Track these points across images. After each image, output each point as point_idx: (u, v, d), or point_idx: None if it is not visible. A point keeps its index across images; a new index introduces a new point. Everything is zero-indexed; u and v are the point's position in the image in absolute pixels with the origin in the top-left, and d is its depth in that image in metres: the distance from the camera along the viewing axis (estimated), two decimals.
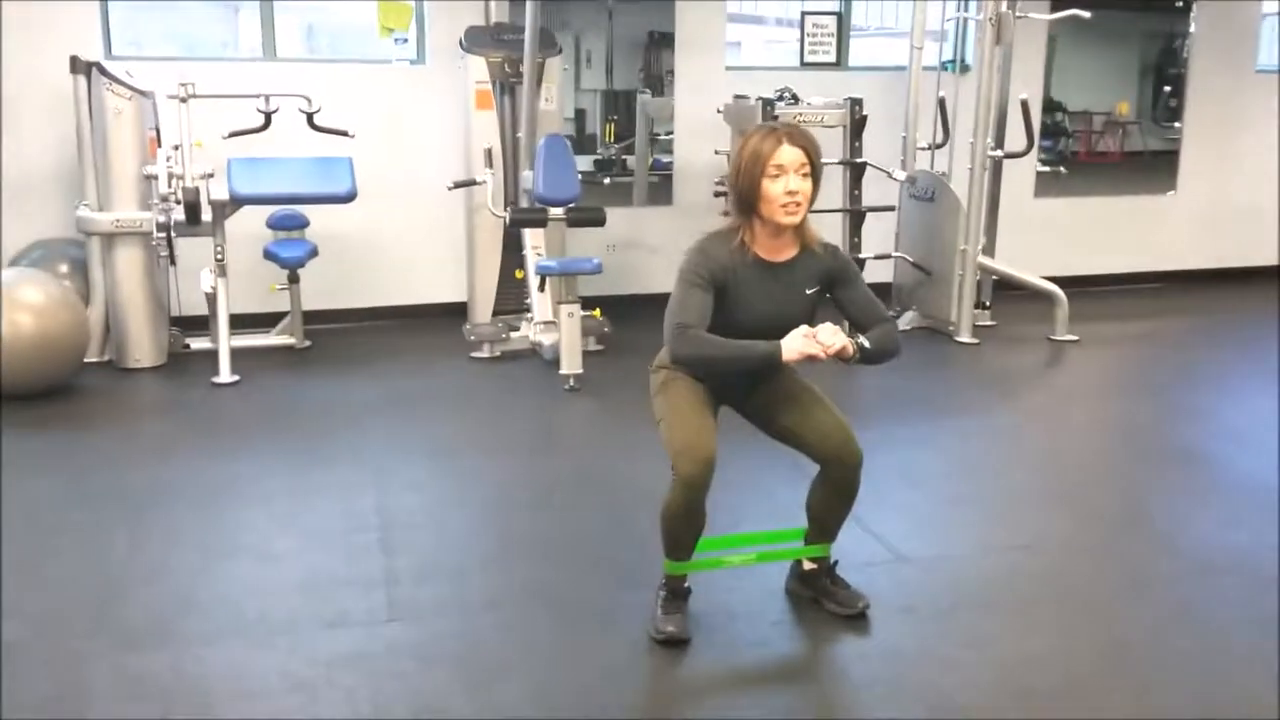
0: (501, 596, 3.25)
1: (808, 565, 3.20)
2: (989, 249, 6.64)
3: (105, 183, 5.40)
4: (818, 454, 2.98)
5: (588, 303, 5.66)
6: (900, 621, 3.12)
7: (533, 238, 5.86)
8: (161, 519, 3.77)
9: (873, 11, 7.81)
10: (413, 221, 6.54)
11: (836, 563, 3.19)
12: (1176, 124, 8.08)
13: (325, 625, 3.05)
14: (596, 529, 3.75)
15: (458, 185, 5.92)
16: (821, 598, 3.16)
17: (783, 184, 2.72)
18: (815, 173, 2.78)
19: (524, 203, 5.97)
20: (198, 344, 5.79)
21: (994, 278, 6.73)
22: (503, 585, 3.33)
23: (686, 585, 3.06)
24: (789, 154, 2.73)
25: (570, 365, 5.26)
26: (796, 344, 2.73)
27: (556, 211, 5.57)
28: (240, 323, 5.80)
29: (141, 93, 5.38)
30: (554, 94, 6.17)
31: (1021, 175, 7.33)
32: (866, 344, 2.82)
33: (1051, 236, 7.60)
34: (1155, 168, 8.15)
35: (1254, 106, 8.02)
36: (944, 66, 7.17)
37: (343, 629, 3.03)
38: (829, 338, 2.74)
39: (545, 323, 5.75)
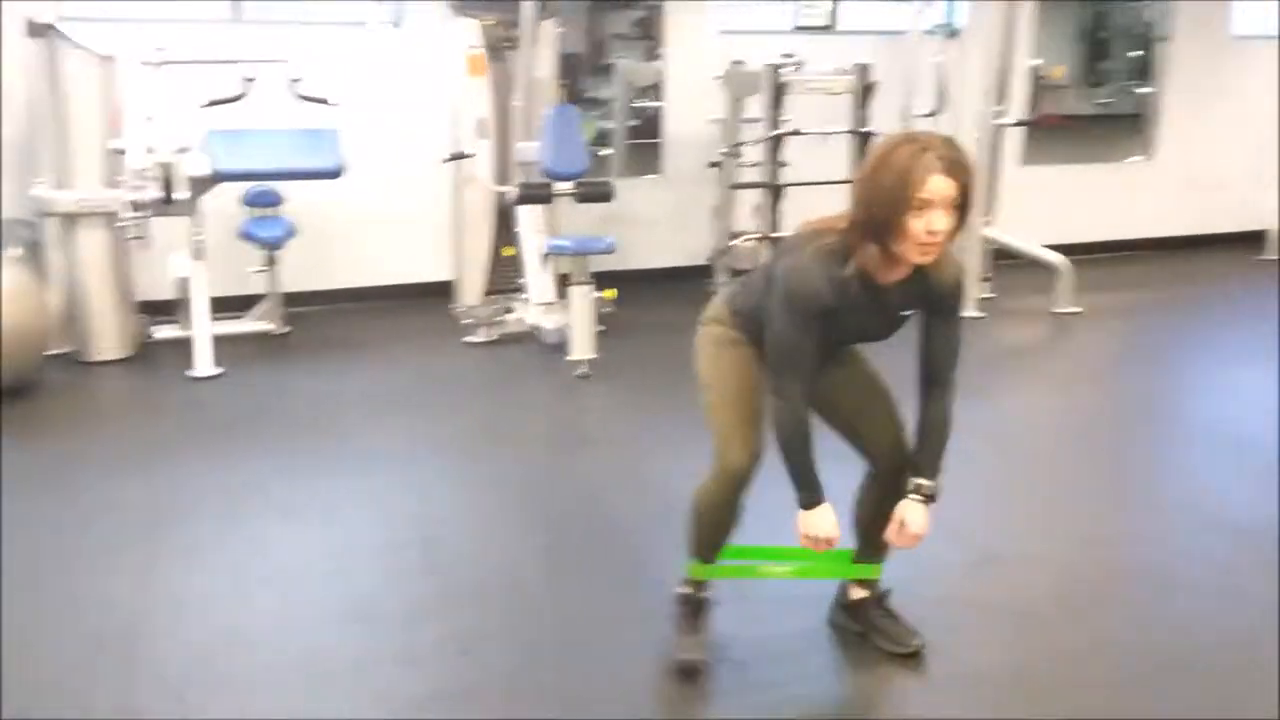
0: (568, 621, 2.95)
1: (855, 594, 2.86)
2: (990, 219, 6.47)
3: (64, 158, 4.91)
4: (870, 447, 2.67)
5: None
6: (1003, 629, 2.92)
7: (531, 214, 5.51)
8: (174, 538, 3.39)
9: None
10: (394, 196, 6.13)
11: (889, 591, 2.86)
12: (1147, 86, 8.03)
13: (393, 661, 2.74)
14: (644, 534, 3.46)
15: (453, 158, 5.54)
16: (870, 632, 2.82)
17: (925, 221, 2.21)
18: (966, 206, 2.26)
19: (519, 176, 5.61)
20: (164, 332, 5.35)
21: (993, 249, 6.57)
22: (566, 607, 3.03)
23: (707, 596, 2.76)
24: (941, 186, 2.20)
25: (582, 350, 4.95)
26: (812, 532, 2.49)
27: (564, 186, 5.23)
28: (211, 307, 5.35)
29: (106, 58, 4.90)
30: (549, 60, 5.81)
31: (1009, 143, 7.16)
32: (935, 492, 2.54)
33: (1038, 205, 7.45)
34: (1096, 132, 8.07)
35: (1230, 73, 7.94)
36: (933, 31, 6.96)
37: (414, 666, 2.72)
38: (916, 530, 2.51)
39: (545, 304, 5.43)
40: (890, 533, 2.56)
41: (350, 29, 6.02)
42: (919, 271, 2.36)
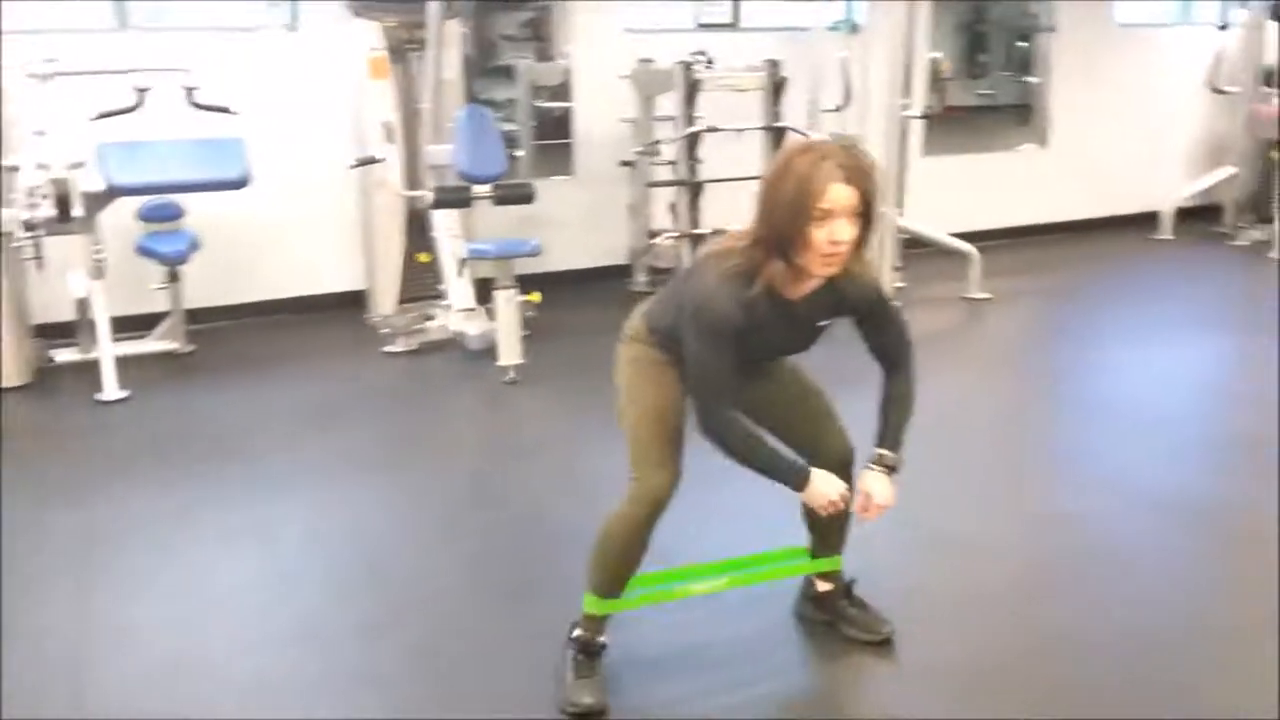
0: (518, 631, 2.86)
1: (821, 587, 2.85)
2: (900, 210, 6.54)
3: None
4: (814, 456, 2.58)
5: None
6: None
7: (447, 218, 5.38)
8: (109, 567, 3.23)
9: None
10: (298, 204, 5.91)
11: (854, 581, 2.85)
12: (1027, 76, 8.24)
13: (351, 681, 2.62)
14: (585, 540, 3.32)
15: (360, 163, 5.37)
16: (839, 622, 2.82)
17: (827, 231, 2.18)
18: (870, 214, 2.23)
19: (430, 180, 5.47)
20: (64, 356, 5.07)
21: (904, 238, 6.65)
22: (516, 617, 2.94)
23: (603, 639, 2.60)
24: (842, 194, 2.17)
25: (509, 356, 4.84)
26: (823, 494, 2.43)
27: (481, 189, 5.11)
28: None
29: None
30: (454, 61, 5.67)
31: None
32: (897, 464, 2.53)
33: (939, 194, 7.55)
34: (979, 123, 8.25)
35: (1116, 61, 8.19)
36: (834, 27, 7.02)
37: (372, 687, 2.61)
38: (883, 501, 2.49)
39: (466, 310, 5.31)
40: (857, 507, 2.53)
41: (244, 34, 5.80)
42: (830, 283, 2.33)
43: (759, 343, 2.38)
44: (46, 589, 3.08)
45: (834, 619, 2.83)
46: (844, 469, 2.62)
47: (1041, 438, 4.38)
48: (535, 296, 4.98)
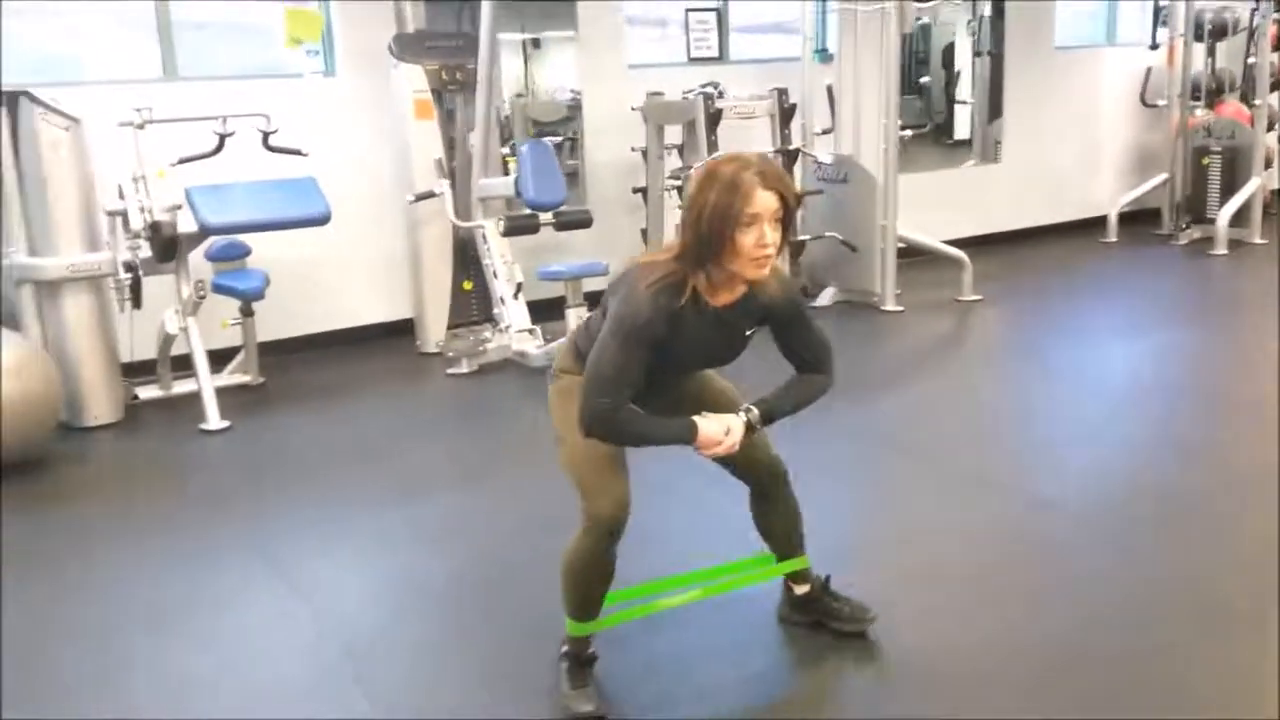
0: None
1: (799, 589, 2.93)
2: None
3: (44, 224, 4.80)
4: (739, 470, 2.72)
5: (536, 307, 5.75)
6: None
7: (501, 245, 5.74)
8: (314, 569, 3.51)
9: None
10: (343, 240, 6.17)
11: (829, 577, 2.92)
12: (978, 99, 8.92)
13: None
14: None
15: (419, 198, 5.71)
16: (825, 619, 2.89)
17: (755, 235, 2.30)
18: (790, 217, 2.37)
19: (478, 211, 5.82)
20: (147, 393, 5.28)
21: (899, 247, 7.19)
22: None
23: (592, 651, 2.71)
24: (765, 200, 2.29)
25: None
26: (712, 435, 2.45)
27: (545, 216, 5.50)
28: (179, 365, 5.31)
29: (74, 120, 4.84)
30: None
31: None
32: (756, 424, 2.52)
33: (912, 207, 8.10)
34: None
35: (1056, 80, 8.93)
36: (813, 56, 7.58)
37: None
38: (736, 437, 2.49)
39: (525, 330, 5.67)
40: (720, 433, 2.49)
41: (284, 81, 6.09)
42: (753, 290, 2.45)
43: (690, 352, 2.48)
44: (260, 589, 3.37)
45: (819, 617, 2.90)
46: (777, 482, 2.75)
47: (1057, 417, 4.88)
48: None
